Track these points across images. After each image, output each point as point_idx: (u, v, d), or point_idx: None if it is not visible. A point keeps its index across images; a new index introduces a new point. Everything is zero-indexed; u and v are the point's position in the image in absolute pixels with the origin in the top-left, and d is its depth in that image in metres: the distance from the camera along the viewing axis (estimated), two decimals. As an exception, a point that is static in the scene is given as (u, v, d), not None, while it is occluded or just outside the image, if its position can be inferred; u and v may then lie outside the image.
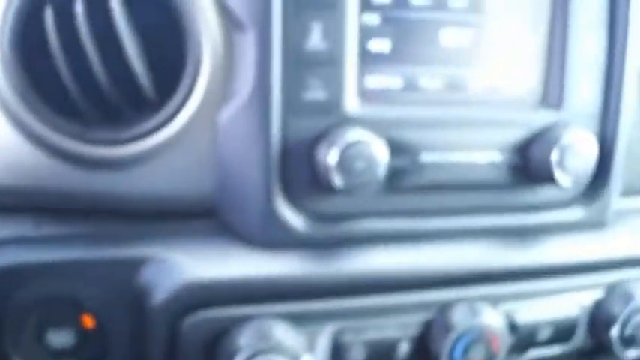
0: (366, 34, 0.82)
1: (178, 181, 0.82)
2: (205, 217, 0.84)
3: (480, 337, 0.86)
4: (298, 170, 0.81)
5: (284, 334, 0.80)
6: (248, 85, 0.77)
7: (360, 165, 0.79)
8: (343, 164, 0.78)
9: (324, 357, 0.86)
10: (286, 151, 0.80)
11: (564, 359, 0.98)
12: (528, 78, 0.91)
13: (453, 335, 0.85)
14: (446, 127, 0.86)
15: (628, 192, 1.02)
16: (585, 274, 0.95)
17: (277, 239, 0.82)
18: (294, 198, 0.83)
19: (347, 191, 0.79)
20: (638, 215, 1.01)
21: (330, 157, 0.78)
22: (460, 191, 0.89)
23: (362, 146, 0.78)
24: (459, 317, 0.85)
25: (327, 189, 0.80)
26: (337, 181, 0.78)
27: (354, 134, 0.79)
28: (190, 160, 0.81)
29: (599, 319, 0.95)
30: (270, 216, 0.81)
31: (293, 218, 0.82)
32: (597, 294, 0.96)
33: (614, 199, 0.96)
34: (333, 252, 0.85)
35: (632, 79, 0.93)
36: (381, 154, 0.79)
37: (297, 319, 0.83)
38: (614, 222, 0.98)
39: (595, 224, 0.96)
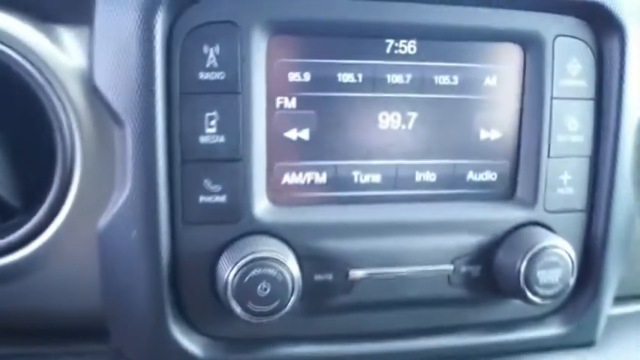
0: (278, 121, 0.68)
1: (62, 297, 0.69)
2: (98, 338, 0.71)
3: None
4: (195, 288, 0.67)
5: None
6: (128, 188, 0.63)
7: (265, 286, 0.63)
8: (244, 286, 0.63)
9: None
10: (180, 266, 0.66)
11: None
12: (492, 169, 0.74)
13: None
14: (384, 233, 0.70)
15: (626, 297, 0.84)
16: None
17: None
18: (191, 319, 0.69)
19: (248, 318, 0.64)
20: (636, 326, 0.83)
21: (230, 276, 0.63)
22: (404, 309, 0.73)
23: (268, 263, 0.63)
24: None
25: (229, 310, 0.65)
26: (235, 306, 0.63)
27: (260, 247, 0.64)
28: (70, 273, 0.68)
29: None
30: (163, 340, 0.67)
31: (190, 343, 0.68)
32: None
33: (604, 310, 0.78)
34: None
35: (624, 169, 0.76)
36: (293, 271, 0.64)
37: None
38: (606, 338, 0.80)
39: (580, 342, 0.78)
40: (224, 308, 0.65)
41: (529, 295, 0.71)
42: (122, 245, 0.65)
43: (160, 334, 0.66)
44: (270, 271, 0.63)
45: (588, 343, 0.79)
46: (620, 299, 0.84)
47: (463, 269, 0.73)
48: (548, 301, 0.72)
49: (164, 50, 0.62)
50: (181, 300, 0.67)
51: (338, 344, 0.71)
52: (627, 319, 0.84)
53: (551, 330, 0.78)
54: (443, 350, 0.74)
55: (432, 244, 0.72)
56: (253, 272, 0.63)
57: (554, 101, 0.73)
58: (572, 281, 0.72)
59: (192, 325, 0.68)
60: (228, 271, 0.63)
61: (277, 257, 0.63)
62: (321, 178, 0.70)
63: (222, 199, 0.65)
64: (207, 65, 0.63)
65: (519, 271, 0.71)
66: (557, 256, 0.72)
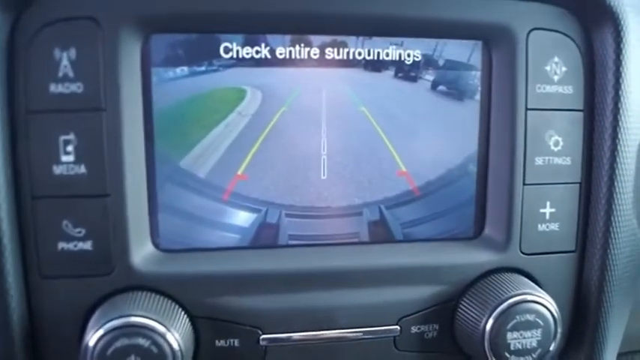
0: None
1: None
2: None
3: None
4: (62, 358, 0.52)
5: None
6: None
7: (133, 360, 0.48)
8: (107, 359, 0.48)
9: None
10: (40, 333, 0.52)
11: None
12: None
13: None
14: (306, 285, 0.55)
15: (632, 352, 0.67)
16: None
17: None
18: None
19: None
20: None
21: (89, 346, 0.48)
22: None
23: (139, 331, 0.48)
24: None
25: None
26: (96, 387, 0.48)
27: (132, 309, 0.49)
28: None
29: None
30: None
31: None
32: None
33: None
34: None
35: (625, 199, 0.59)
36: (174, 341, 0.49)
37: None
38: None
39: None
40: None
41: (498, 365, 0.55)
42: None
43: None
44: (141, 342, 0.48)
45: None
46: (624, 355, 0.67)
47: (414, 330, 0.57)
48: None
49: (3, 57, 0.48)
50: None
51: None
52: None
53: None
54: None
55: (372, 299, 0.56)
56: (119, 343, 0.48)
57: (530, 113, 0.57)
58: (553, 347, 0.55)
59: None
60: (89, 338, 0.48)
61: (150, 324, 0.48)
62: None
63: (86, 245, 0.51)
64: (60, 75, 0.49)
65: (484, 332, 0.55)
66: (535, 313, 0.55)
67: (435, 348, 0.58)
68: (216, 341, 0.54)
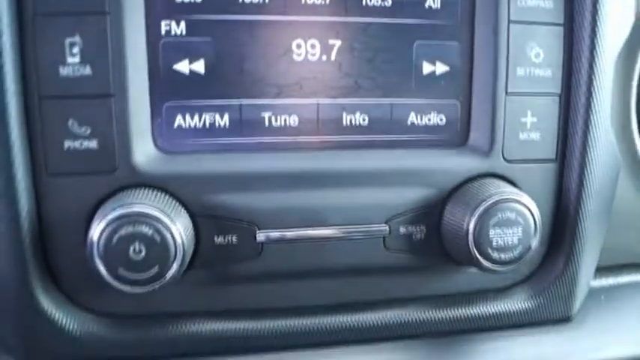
0: (165, 50, 0.55)
1: None
2: None
3: None
4: (67, 253, 0.56)
5: None
6: None
7: (139, 249, 0.51)
8: (112, 248, 0.51)
9: None
10: (47, 227, 0.55)
11: None
12: (439, 110, 0.62)
13: None
14: (300, 185, 0.58)
15: (611, 267, 0.71)
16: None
17: (52, 352, 0.56)
18: (65, 290, 0.58)
19: (121, 287, 0.52)
20: (620, 300, 0.69)
21: (95, 235, 0.51)
22: (327, 279, 0.61)
23: (142, 219, 0.51)
24: None
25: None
26: (104, 272, 0.51)
27: (136, 201, 0.52)
28: None
29: None
30: (31, 313, 0.56)
31: (64, 317, 0.56)
32: None
33: (581, 281, 0.65)
34: None
35: (603, 110, 0.62)
36: (176, 231, 0.52)
37: None
38: (585, 314, 0.66)
39: (552, 318, 0.65)
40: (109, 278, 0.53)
41: (481, 260, 0.59)
42: None
43: (27, 307, 0.55)
44: (145, 230, 0.51)
45: (563, 319, 0.65)
46: (604, 269, 0.71)
47: (402, 230, 0.60)
48: (504, 268, 0.59)
49: None
50: (52, 267, 0.55)
51: (245, 321, 0.59)
52: (610, 292, 0.70)
53: (517, 304, 0.65)
54: (381, 328, 0.62)
55: (362, 200, 0.59)
56: (123, 231, 0.51)
57: (513, 26, 0.60)
58: (534, 243, 0.59)
59: (67, 296, 0.57)
60: (94, 230, 0.51)
61: (153, 213, 0.51)
62: (223, 121, 0.58)
63: (92, 144, 0.54)
64: None
65: (468, 231, 0.58)
66: (515, 211, 0.59)
67: (422, 250, 0.61)
68: (215, 238, 0.57)
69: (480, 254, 0.59)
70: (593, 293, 0.70)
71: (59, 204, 0.55)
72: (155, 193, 0.55)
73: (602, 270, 0.71)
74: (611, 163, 0.65)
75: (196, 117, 0.57)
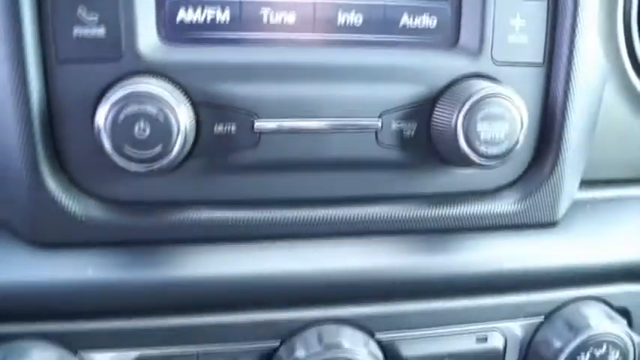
0: None
1: None
2: None
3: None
4: (74, 138, 0.59)
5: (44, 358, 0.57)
6: None
7: (144, 127, 0.55)
8: (118, 126, 0.54)
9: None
10: (56, 113, 0.58)
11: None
12: (431, 12, 0.64)
13: (295, 374, 0.59)
14: (297, 77, 0.61)
15: (597, 181, 0.74)
16: (519, 292, 0.66)
17: (56, 232, 0.60)
18: (72, 175, 0.61)
19: (126, 165, 0.55)
20: (604, 211, 0.72)
21: (102, 114, 0.54)
22: (322, 172, 0.64)
23: (146, 99, 0.54)
24: (309, 350, 0.59)
25: (110, 162, 0.56)
26: (110, 150, 0.54)
27: (139, 84, 0.55)
28: None
29: (533, 354, 0.67)
30: (40, 197, 0.59)
31: (70, 201, 0.59)
32: (533, 320, 0.67)
33: (566, 186, 0.68)
34: (138, 253, 0.61)
35: (588, 15, 0.64)
36: (180, 112, 0.55)
37: (77, 341, 0.60)
38: (570, 221, 0.69)
39: (538, 222, 0.68)
40: (108, 163, 0.56)
41: (469, 153, 0.61)
42: None
43: (34, 189, 0.58)
44: (149, 109, 0.55)
45: (548, 224, 0.68)
46: (591, 183, 0.73)
47: (394, 126, 0.63)
48: (492, 162, 0.62)
49: None
50: (60, 152, 0.59)
51: (241, 210, 0.62)
52: (595, 204, 0.73)
53: (505, 206, 0.68)
54: (371, 222, 0.65)
55: (356, 93, 0.62)
56: (129, 109, 0.54)
57: None
58: (521, 138, 0.62)
59: (72, 181, 0.60)
60: (101, 109, 0.54)
61: (157, 93, 0.54)
62: (223, 16, 0.60)
63: (100, 31, 0.56)
64: None
65: (456, 124, 0.61)
66: (502, 106, 0.61)
67: (413, 147, 0.64)
68: (215, 127, 0.60)
69: (469, 147, 0.62)
70: (579, 204, 0.72)
71: (68, 90, 0.58)
72: (159, 79, 0.57)
73: (588, 183, 0.74)
74: (597, 70, 0.68)
75: (198, 11, 0.60)
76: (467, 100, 0.61)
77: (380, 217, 0.65)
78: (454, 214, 0.66)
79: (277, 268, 0.61)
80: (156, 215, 0.61)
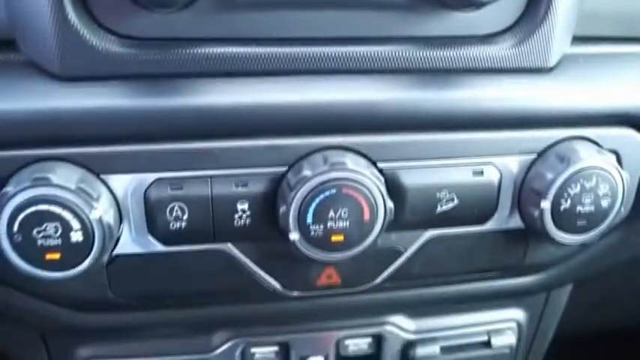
0: None
1: None
2: (7, 49, 0.66)
3: (340, 197, 0.64)
4: None
5: (68, 178, 0.62)
6: None
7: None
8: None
9: (134, 213, 0.67)
10: None
11: (484, 242, 0.75)
12: None
13: (302, 191, 0.63)
14: None
15: (589, 38, 0.76)
16: (513, 129, 0.70)
17: (80, 66, 0.64)
18: (97, 14, 0.64)
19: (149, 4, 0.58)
20: (597, 63, 0.75)
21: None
22: (327, 9, 0.66)
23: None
24: (315, 170, 0.64)
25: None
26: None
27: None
28: None
29: (527, 188, 0.71)
30: (66, 36, 0.62)
31: (94, 37, 0.63)
32: (527, 157, 0.71)
33: (558, 33, 0.70)
34: (154, 84, 0.65)
35: None
36: None
37: (98, 164, 0.64)
38: (563, 70, 0.72)
39: (532, 67, 0.71)
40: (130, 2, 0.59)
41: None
42: None
43: (61, 27, 0.62)
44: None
45: (542, 69, 0.71)
46: (584, 39, 0.76)
47: None
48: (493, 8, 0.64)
49: None
50: None
51: (251, 47, 0.65)
52: (588, 58, 0.76)
53: (500, 50, 0.70)
54: (373, 60, 0.67)
55: None
56: None
57: None
58: None
59: (95, 19, 0.63)
60: None
61: None
62: None
63: None
64: None
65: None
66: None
67: None
68: None
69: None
70: (572, 57, 0.74)
71: None
72: None
73: (581, 39, 0.75)
74: None
75: None
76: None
77: (380, 55, 0.67)
78: (451, 55, 0.69)
79: (284, 98, 0.65)
80: (170, 50, 0.64)
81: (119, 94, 0.64)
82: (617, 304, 1.24)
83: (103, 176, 0.65)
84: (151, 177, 0.65)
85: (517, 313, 0.90)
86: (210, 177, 0.65)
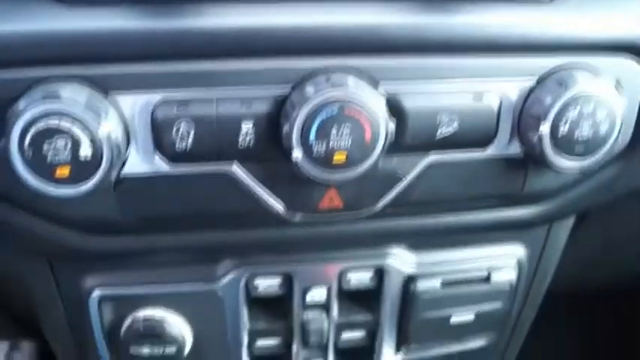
0: None
1: None
2: None
3: (342, 115, 0.65)
4: None
5: (77, 95, 0.63)
6: None
7: None
8: None
9: (141, 132, 0.68)
10: None
11: (484, 169, 0.76)
12: None
13: (304, 109, 0.65)
14: None
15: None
16: (514, 53, 0.71)
17: None
18: None
19: None
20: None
21: None
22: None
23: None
24: (318, 88, 0.65)
25: None
26: None
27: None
28: None
29: (526, 114, 0.72)
30: None
31: None
32: (527, 83, 0.72)
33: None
34: (160, 6, 0.67)
35: None
36: None
37: (106, 82, 0.66)
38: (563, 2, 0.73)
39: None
40: None
41: None
42: None
43: None
44: None
45: None
46: None
47: None
48: None
49: None
50: None
51: None
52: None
53: None
54: None
55: None
56: None
57: None
58: None
59: None
60: None
61: None
62: None
63: None
64: None
65: None
66: None
67: None
68: None
69: None
70: None
71: None
72: None
73: None
74: None
75: None
76: None
77: None
78: None
79: (289, 20, 0.66)
80: None
81: (126, 15, 0.65)
82: (618, 258, 1.25)
83: (111, 96, 0.66)
84: (157, 96, 0.67)
85: (518, 250, 0.91)
86: (216, 100, 0.67)
